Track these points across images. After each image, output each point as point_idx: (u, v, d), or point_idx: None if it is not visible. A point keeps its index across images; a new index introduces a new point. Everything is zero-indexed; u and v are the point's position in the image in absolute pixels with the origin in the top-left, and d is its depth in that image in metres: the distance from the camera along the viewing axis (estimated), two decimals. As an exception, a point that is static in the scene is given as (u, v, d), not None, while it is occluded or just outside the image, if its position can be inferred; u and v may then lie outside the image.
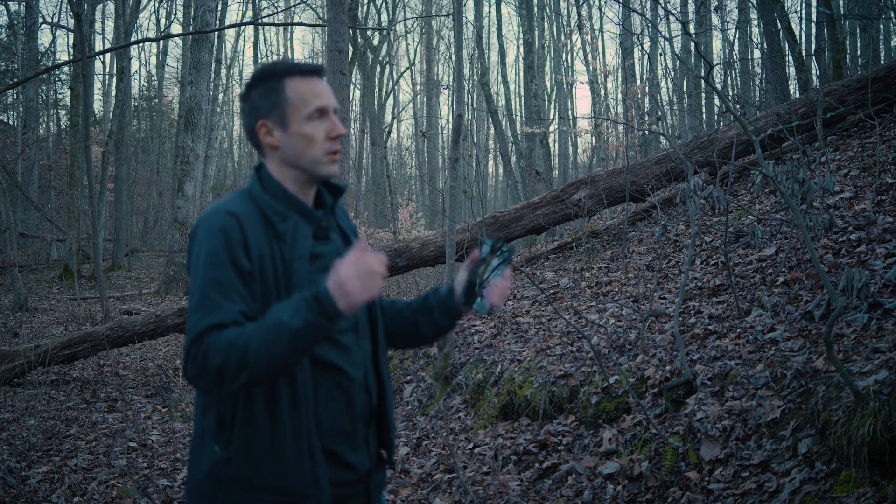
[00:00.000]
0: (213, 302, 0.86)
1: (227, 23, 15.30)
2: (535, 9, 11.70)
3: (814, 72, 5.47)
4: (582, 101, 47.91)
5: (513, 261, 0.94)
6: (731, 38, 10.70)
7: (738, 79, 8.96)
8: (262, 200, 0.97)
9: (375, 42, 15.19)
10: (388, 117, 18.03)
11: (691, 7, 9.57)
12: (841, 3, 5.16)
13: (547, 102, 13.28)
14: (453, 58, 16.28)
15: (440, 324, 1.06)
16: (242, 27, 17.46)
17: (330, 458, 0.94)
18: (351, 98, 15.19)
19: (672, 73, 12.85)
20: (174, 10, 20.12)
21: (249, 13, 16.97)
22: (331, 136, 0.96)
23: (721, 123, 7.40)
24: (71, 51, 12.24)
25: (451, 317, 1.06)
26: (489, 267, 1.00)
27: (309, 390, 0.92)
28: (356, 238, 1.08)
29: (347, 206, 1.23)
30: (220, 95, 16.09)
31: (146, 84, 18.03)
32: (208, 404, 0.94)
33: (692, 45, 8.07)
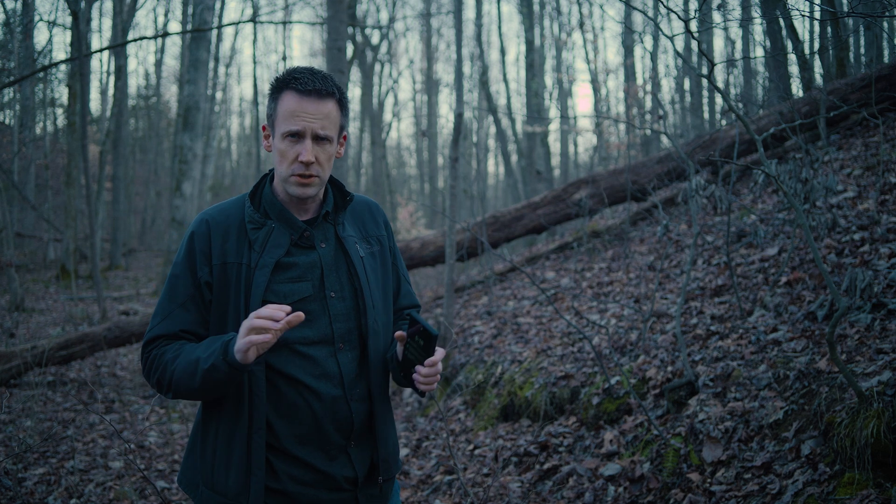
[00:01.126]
0: (166, 310, 0.97)
1: (226, 20, 15.26)
2: (536, 6, 11.66)
3: (817, 70, 5.44)
4: (583, 100, 47.93)
5: (434, 342, 0.93)
6: (734, 36, 10.68)
7: (741, 77, 8.94)
8: (245, 207, 1.00)
9: (375, 40, 15.16)
10: (387, 116, 18.02)
11: (693, 5, 9.55)
12: (844, 0, 5.14)
13: (548, 101, 13.24)
14: (453, 56, 16.23)
15: (396, 378, 1.05)
16: (241, 25, 17.38)
17: (297, 463, 0.97)
18: (350, 96, 15.11)
19: (674, 72, 12.83)
20: (172, 8, 20.05)
21: (248, 11, 16.93)
22: (299, 160, 0.96)
23: (723, 122, 7.38)
24: (68, 49, 12.19)
25: (398, 380, 1.04)
26: (413, 348, 0.96)
27: (261, 401, 0.94)
28: (370, 245, 1.06)
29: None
30: (219, 94, 16.05)
31: (144, 83, 17.99)
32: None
33: (694, 43, 8.03)
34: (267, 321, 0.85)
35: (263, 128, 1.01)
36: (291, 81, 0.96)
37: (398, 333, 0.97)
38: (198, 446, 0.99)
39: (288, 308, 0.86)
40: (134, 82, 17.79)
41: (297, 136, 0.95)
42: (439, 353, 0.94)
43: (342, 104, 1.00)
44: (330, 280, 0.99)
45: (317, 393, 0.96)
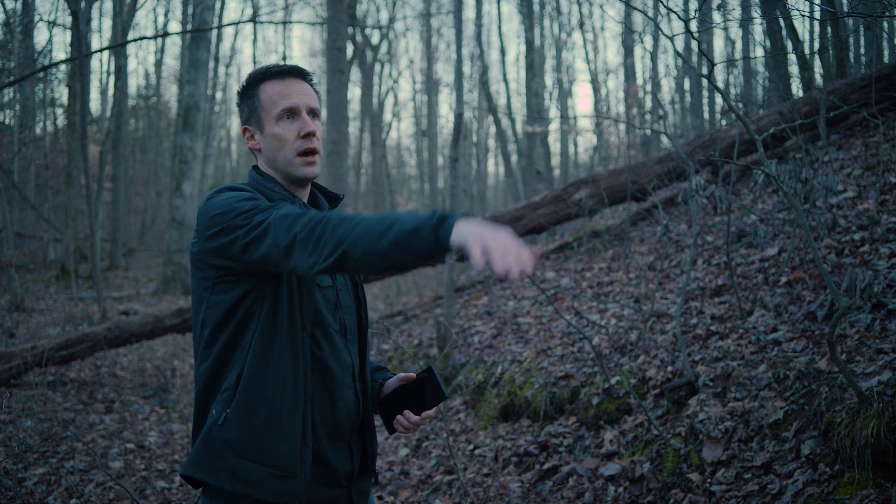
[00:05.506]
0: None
1: (226, 21, 15.27)
2: (536, 6, 11.66)
3: (817, 70, 5.44)
4: (583, 100, 47.92)
5: (437, 405, 0.98)
6: (734, 36, 10.68)
7: (741, 77, 8.94)
8: (264, 187, 0.98)
9: (375, 40, 15.16)
10: (387, 116, 18.01)
11: (693, 5, 9.55)
12: (844, 0, 5.13)
13: (548, 101, 13.24)
14: (453, 56, 16.23)
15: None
16: (241, 25, 17.40)
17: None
18: (350, 96, 15.18)
19: (674, 72, 12.83)
20: (172, 8, 20.05)
21: (248, 11, 16.93)
22: (301, 135, 0.96)
23: (723, 122, 7.38)
24: (68, 49, 12.19)
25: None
26: (415, 396, 0.98)
27: (311, 375, 0.93)
28: None
29: (347, 207, 1.25)
30: (219, 94, 16.05)
31: (144, 83, 17.99)
32: (213, 372, 0.93)
33: (694, 43, 8.02)
34: (518, 255, 0.67)
35: (244, 130, 1.01)
36: (265, 72, 0.98)
37: (409, 375, 1.00)
38: (236, 419, 0.90)
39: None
40: (134, 82, 17.79)
41: (293, 114, 0.96)
42: (433, 411, 0.97)
43: (315, 89, 1.02)
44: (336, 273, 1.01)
45: (338, 380, 0.97)
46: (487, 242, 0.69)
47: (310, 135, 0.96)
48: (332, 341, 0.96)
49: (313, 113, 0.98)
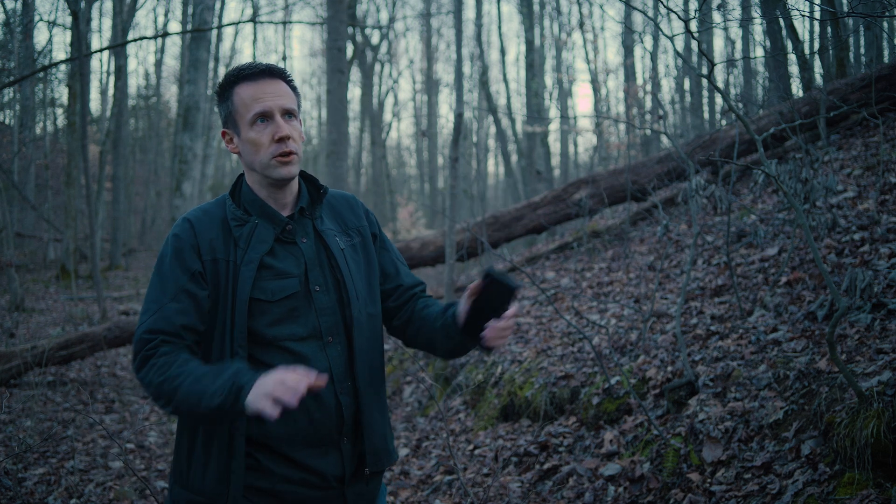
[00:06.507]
0: (158, 301, 0.93)
1: (226, 21, 15.27)
2: (536, 6, 11.66)
3: (817, 70, 5.45)
4: (583, 100, 47.93)
5: (517, 296, 0.94)
6: (734, 36, 10.68)
7: (741, 77, 8.94)
8: (227, 205, 1.00)
9: (375, 40, 15.16)
10: (387, 116, 18.01)
11: (693, 5, 9.56)
12: (844, 0, 5.14)
13: (548, 101, 13.23)
14: (453, 56, 16.22)
15: (449, 346, 1.02)
16: (241, 25, 17.40)
17: (287, 461, 0.96)
18: (350, 96, 15.19)
19: (674, 72, 12.83)
20: (172, 8, 20.04)
21: (248, 11, 16.94)
22: (275, 139, 0.95)
23: (723, 122, 7.38)
24: (68, 49, 12.20)
25: (458, 343, 1.01)
26: (489, 303, 0.93)
27: None
28: (351, 238, 1.05)
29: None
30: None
31: (144, 83, 17.98)
32: None
33: (694, 43, 8.03)
34: (292, 390, 0.82)
35: (223, 133, 1.00)
36: (238, 74, 0.97)
37: (473, 285, 0.95)
38: (180, 447, 0.97)
39: (315, 378, 0.84)
40: (134, 82, 17.78)
41: (266, 118, 0.95)
42: (515, 307, 0.93)
43: (292, 86, 1.00)
44: (314, 274, 0.99)
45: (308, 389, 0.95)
46: (270, 392, 0.82)
47: (284, 139, 0.94)
48: (293, 353, 0.94)
49: (289, 113, 0.96)
